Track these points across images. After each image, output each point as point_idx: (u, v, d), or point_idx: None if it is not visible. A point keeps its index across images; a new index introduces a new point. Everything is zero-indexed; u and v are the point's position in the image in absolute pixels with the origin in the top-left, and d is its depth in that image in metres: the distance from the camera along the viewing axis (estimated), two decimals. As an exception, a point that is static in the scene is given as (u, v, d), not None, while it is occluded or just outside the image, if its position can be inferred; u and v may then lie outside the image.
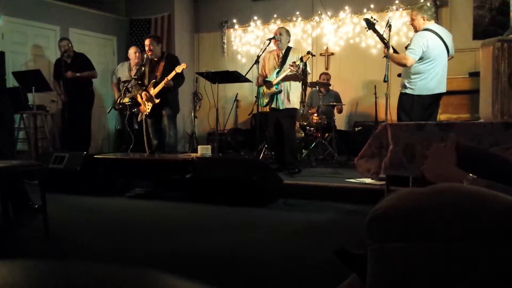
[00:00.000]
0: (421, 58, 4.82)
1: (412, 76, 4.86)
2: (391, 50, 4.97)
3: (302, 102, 5.69)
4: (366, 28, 5.15)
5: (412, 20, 5.05)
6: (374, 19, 5.11)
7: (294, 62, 5.53)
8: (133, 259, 2.85)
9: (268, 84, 5.82)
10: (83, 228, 3.75)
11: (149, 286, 0.51)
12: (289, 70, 5.54)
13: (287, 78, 5.70)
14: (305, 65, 5.50)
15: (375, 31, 5.04)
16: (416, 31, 5.01)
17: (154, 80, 6.33)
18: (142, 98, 6.46)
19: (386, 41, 4.91)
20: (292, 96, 5.74)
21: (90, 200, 4.91)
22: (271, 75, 5.87)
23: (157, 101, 6.32)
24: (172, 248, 3.10)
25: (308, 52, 5.51)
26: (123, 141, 8.12)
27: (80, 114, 7.25)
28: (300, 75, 5.59)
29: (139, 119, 6.75)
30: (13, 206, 3.90)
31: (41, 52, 8.13)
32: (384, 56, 4.96)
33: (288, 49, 5.82)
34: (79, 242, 3.31)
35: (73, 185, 5.25)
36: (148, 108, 6.40)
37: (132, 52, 7.77)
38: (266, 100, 5.89)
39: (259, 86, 6.00)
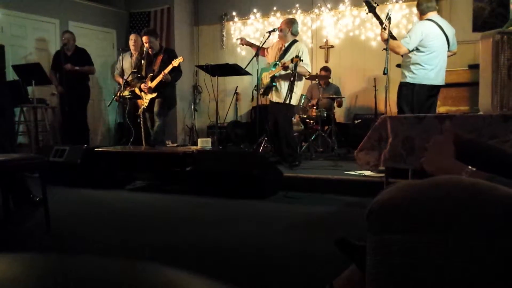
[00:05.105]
0: (420, 49, 4.85)
1: (412, 67, 4.91)
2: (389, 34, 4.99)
3: (290, 97, 5.65)
4: (366, 11, 5.20)
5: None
6: (375, 3, 5.13)
7: (285, 63, 5.54)
8: (133, 252, 2.86)
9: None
10: (84, 221, 3.76)
11: (149, 279, 0.51)
12: (281, 69, 5.59)
13: (280, 76, 5.72)
14: (294, 67, 5.47)
15: (375, 14, 5.07)
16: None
17: (151, 74, 6.33)
18: (140, 91, 6.46)
19: (384, 26, 4.91)
20: (284, 91, 5.73)
21: (90, 193, 4.92)
22: (270, 66, 5.88)
23: (154, 95, 6.33)
24: (173, 241, 3.11)
25: (297, 56, 5.48)
26: (123, 134, 8.12)
27: (76, 108, 7.27)
28: (290, 76, 5.57)
29: (138, 112, 6.73)
30: (14, 199, 3.90)
31: (41, 45, 8.12)
32: (384, 49, 4.97)
33: (292, 43, 5.81)
34: (79, 235, 3.32)
35: (73, 178, 5.26)
36: (146, 102, 6.40)
37: (131, 41, 7.64)
38: (261, 91, 5.93)
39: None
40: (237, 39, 6.59)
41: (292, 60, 5.44)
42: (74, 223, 3.69)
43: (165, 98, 6.44)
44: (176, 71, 6.37)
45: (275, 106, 5.85)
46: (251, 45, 6.39)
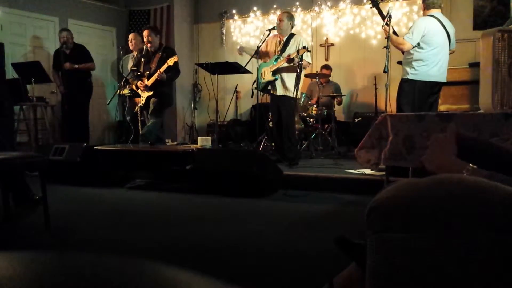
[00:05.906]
0: (422, 45, 4.83)
1: (414, 63, 4.89)
2: (391, 31, 4.98)
3: (296, 90, 5.63)
4: (370, 5, 5.22)
5: None
6: None
7: (289, 55, 5.53)
8: (132, 250, 2.86)
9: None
10: (84, 219, 3.76)
11: (149, 277, 0.51)
12: (285, 61, 5.57)
13: (283, 69, 5.71)
14: (300, 59, 5.47)
15: (378, 9, 5.07)
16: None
17: (148, 72, 6.30)
18: (138, 88, 6.43)
19: (387, 22, 4.90)
20: (289, 83, 5.73)
21: (90, 192, 4.92)
22: (270, 60, 5.86)
23: (150, 93, 6.30)
24: (172, 239, 3.10)
25: (304, 47, 5.48)
26: (123, 133, 8.12)
27: (78, 105, 7.28)
28: (296, 68, 5.57)
29: (135, 110, 6.71)
30: (14, 197, 3.90)
31: (40, 43, 8.12)
32: (384, 47, 4.96)
33: (291, 36, 5.80)
34: (79, 233, 3.32)
35: (73, 177, 5.26)
36: (143, 100, 6.38)
37: (129, 41, 7.62)
38: (262, 86, 5.92)
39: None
40: (238, 48, 6.54)
41: (298, 52, 5.43)
42: (74, 221, 3.68)
43: (161, 97, 6.39)
44: (173, 71, 6.30)
45: (278, 99, 5.82)
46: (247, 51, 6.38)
